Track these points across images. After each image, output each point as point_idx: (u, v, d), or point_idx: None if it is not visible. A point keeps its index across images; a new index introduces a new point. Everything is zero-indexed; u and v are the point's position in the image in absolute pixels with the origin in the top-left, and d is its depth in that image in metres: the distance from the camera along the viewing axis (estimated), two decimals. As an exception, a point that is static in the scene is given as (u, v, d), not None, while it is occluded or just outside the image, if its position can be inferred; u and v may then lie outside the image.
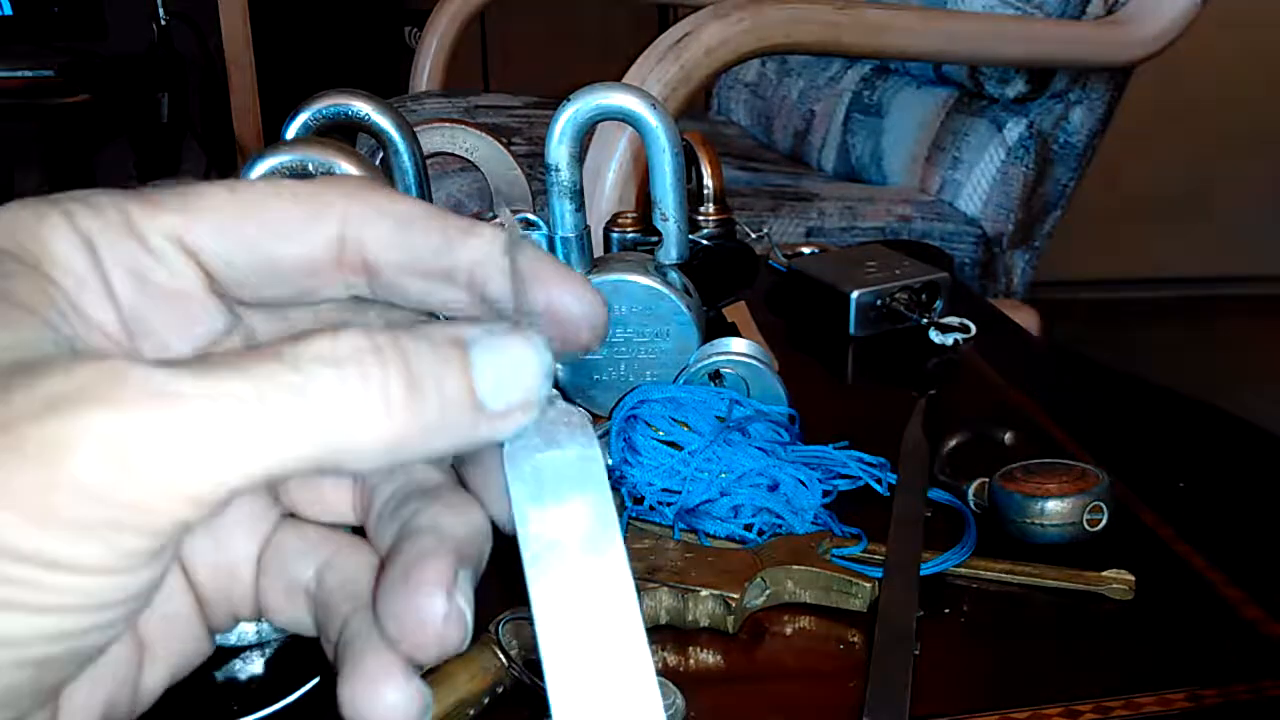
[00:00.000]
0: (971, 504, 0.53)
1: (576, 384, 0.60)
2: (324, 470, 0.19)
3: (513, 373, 0.20)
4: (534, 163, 1.07)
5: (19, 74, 1.98)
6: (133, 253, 0.22)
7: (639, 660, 0.19)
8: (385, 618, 0.20)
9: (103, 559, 0.17)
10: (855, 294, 0.76)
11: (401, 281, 0.23)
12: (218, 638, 0.24)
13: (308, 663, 0.44)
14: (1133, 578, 0.48)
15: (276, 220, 0.22)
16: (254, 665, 0.45)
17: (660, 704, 0.19)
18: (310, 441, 0.18)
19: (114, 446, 0.17)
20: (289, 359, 0.18)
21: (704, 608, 0.46)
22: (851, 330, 0.76)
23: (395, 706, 0.20)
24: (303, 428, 0.18)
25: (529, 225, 0.58)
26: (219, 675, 0.44)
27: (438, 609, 0.20)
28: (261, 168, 0.50)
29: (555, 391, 0.21)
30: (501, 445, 0.21)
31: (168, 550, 0.18)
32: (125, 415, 0.17)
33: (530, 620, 0.19)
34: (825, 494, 0.53)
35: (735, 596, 0.45)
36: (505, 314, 0.22)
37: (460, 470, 0.24)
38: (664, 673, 0.44)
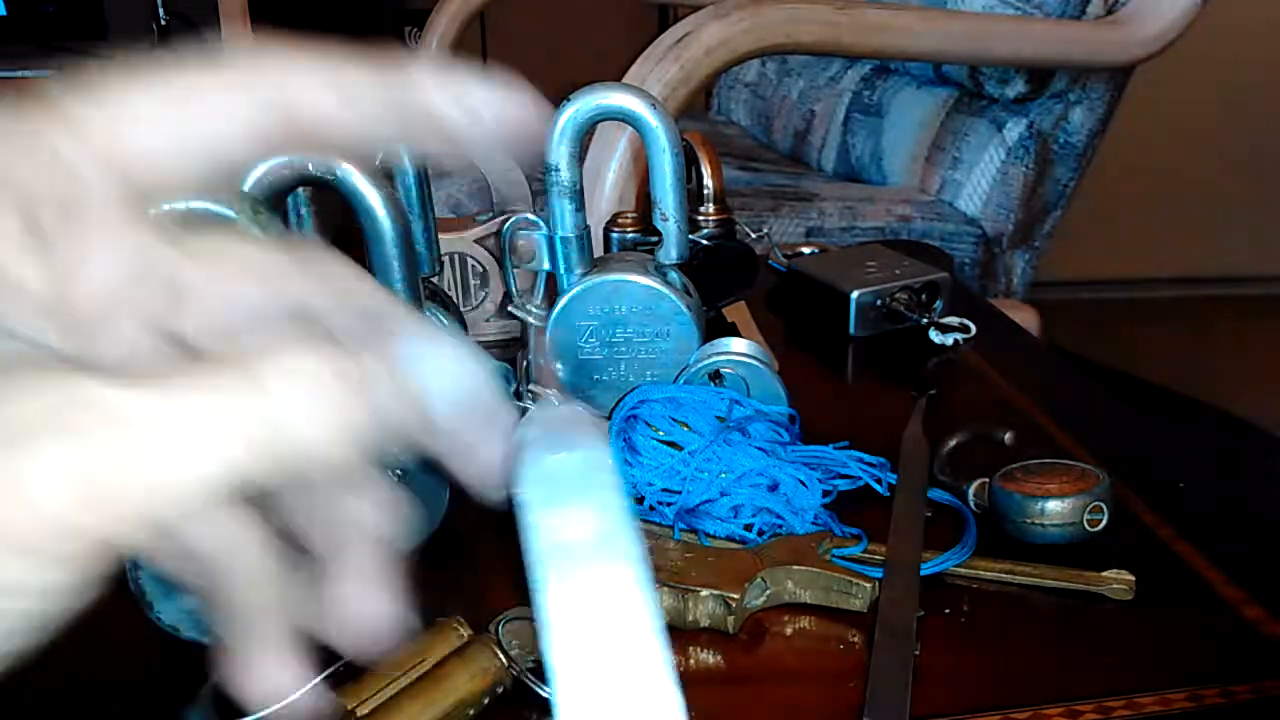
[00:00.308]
0: (971, 504, 0.53)
1: (576, 384, 0.60)
2: (279, 484, 0.19)
3: (453, 378, 0.21)
4: (534, 162, 1.07)
5: (18, 74, 1.98)
6: (67, 193, 0.20)
7: (655, 663, 0.18)
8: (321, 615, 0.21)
9: (57, 583, 0.17)
10: (855, 294, 0.76)
11: (346, 134, 0.22)
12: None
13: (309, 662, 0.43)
14: (1133, 578, 0.48)
15: (215, 115, 0.21)
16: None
17: (682, 706, 0.18)
18: (266, 457, 0.18)
19: (73, 475, 0.17)
20: (245, 374, 0.18)
21: (704, 608, 0.46)
22: (851, 330, 0.76)
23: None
24: (259, 445, 0.18)
25: (529, 225, 0.58)
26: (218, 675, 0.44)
27: (370, 608, 0.21)
28: (260, 169, 0.50)
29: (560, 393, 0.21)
30: (510, 449, 0.21)
31: (114, 566, 0.18)
32: (84, 443, 0.17)
33: (533, 623, 0.19)
34: (825, 494, 0.53)
35: (735, 596, 0.45)
36: (456, 140, 0.23)
37: (438, 440, 0.23)
38: (664, 673, 0.43)
